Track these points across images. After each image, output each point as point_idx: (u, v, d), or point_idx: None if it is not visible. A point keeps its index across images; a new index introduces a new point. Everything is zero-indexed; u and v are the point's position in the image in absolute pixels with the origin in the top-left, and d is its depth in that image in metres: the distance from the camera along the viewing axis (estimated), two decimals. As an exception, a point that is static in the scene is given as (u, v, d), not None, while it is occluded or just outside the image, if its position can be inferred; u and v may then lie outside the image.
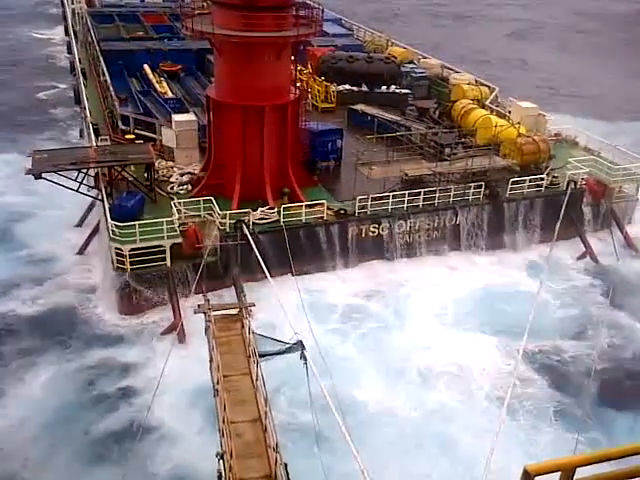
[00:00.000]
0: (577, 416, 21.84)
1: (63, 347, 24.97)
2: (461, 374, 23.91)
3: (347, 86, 41.83)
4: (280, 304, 20.32)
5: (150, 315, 26.14)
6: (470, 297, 27.56)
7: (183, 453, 20.30)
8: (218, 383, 16.89)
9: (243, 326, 20.49)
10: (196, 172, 30.70)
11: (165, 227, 25.14)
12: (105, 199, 27.03)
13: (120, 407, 22.24)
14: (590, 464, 4.62)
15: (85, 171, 27.24)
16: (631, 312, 28.04)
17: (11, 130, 44.83)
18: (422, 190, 29.02)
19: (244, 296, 26.28)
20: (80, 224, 32.29)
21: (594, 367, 23.21)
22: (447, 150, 31.85)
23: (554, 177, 32.21)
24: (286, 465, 13.41)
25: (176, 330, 24.33)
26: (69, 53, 57.87)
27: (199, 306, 21.52)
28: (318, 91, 40.83)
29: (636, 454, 4.67)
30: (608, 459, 4.69)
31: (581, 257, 32.19)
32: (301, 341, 17.97)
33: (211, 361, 18.51)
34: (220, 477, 13.98)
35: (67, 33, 61.50)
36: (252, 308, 21.75)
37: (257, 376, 17.06)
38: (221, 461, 14.22)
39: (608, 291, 28.71)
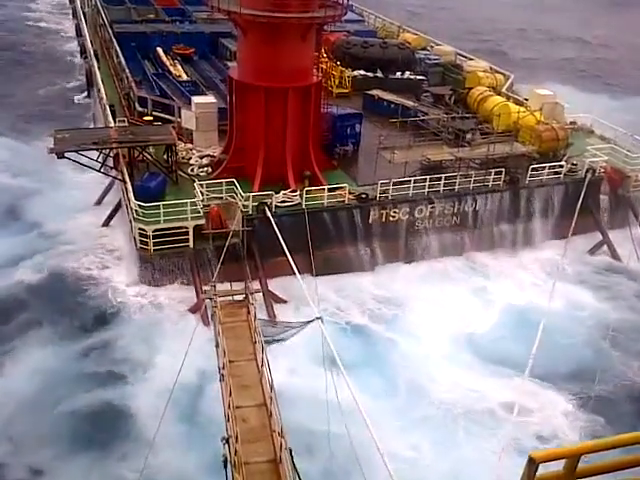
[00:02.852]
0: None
1: (81, 320, 24.96)
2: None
3: (362, 72, 41.63)
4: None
5: (172, 293, 26.08)
6: (496, 313, 26.81)
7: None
8: (224, 368, 16.91)
9: (249, 312, 20.58)
10: (215, 154, 30.59)
11: (189, 208, 25.10)
12: (127, 180, 26.91)
13: (138, 389, 21.83)
14: (594, 452, 4.63)
15: (107, 152, 27.14)
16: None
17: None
18: (443, 175, 28.98)
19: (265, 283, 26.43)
20: (99, 202, 32.53)
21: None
22: (468, 136, 31.79)
23: (573, 164, 32.21)
24: (291, 450, 13.37)
25: (200, 311, 24.29)
26: (78, 35, 57.30)
27: (205, 292, 21.57)
28: (333, 76, 40.63)
29: None
30: (612, 447, 4.67)
31: (598, 246, 32.32)
32: (321, 317, 18.17)
33: (217, 346, 18.55)
34: (225, 461, 14.00)
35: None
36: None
37: (262, 361, 17.14)
38: (226, 445, 14.24)
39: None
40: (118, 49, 40.85)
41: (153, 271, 25.68)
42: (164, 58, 41.38)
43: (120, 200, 30.18)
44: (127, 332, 24.27)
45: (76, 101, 48.85)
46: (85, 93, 48.77)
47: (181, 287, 26.08)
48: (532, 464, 4.54)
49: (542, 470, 4.69)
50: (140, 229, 24.88)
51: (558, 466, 4.76)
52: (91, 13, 54.48)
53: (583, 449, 4.62)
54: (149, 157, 28.29)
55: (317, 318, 18.40)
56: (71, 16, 66.52)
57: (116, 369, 22.63)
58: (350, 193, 28.17)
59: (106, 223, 30.53)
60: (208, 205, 26.07)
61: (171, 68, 39.77)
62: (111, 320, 24.89)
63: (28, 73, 54.23)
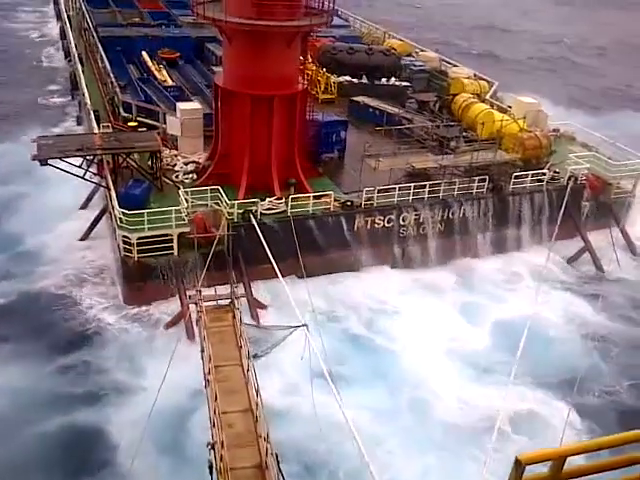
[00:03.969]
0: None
1: (58, 340, 24.24)
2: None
3: (347, 77, 41.79)
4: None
5: (157, 306, 25.91)
6: (489, 323, 26.75)
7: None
8: (209, 374, 16.91)
9: (234, 317, 20.54)
10: (200, 161, 30.53)
11: (173, 216, 25.02)
12: (111, 187, 26.77)
13: (120, 413, 20.90)
14: (580, 454, 4.71)
15: (91, 158, 27.00)
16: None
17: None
18: (428, 183, 29.16)
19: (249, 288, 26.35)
20: (85, 206, 32.13)
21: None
22: (452, 143, 32.02)
23: (555, 172, 32.56)
24: (277, 455, 13.41)
25: (185, 319, 24.23)
26: (63, 38, 56.90)
27: (190, 297, 21.48)
28: (319, 82, 40.75)
29: (625, 444, 4.75)
30: (598, 449, 4.75)
31: (580, 253, 32.71)
32: (306, 324, 18.15)
33: (202, 351, 18.50)
34: (211, 467, 14.02)
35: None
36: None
37: (248, 367, 17.13)
38: (212, 451, 14.26)
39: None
40: (103, 53, 40.63)
41: (138, 284, 25.45)
42: (149, 63, 41.19)
43: (102, 209, 29.81)
44: (110, 351, 23.73)
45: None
46: (69, 97, 48.49)
47: (167, 300, 25.87)
48: (519, 466, 4.58)
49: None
50: (124, 237, 24.76)
51: (545, 468, 4.80)
52: (76, 16, 54.07)
53: (569, 451, 4.66)
54: (134, 164, 28.18)
55: (302, 325, 18.44)
56: (55, 19, 65.88)
57: (98, 392, 21.86)
58: (335, 200, 28.26)
59: (85, 237, 29.82)
60: (193, 212, 26.04)
61: (156, 73, 39.60)
62: (92, 340, 24.28)
63: (7, 77, 53.80)
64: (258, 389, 15.32)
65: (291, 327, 19.21)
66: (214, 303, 20.90)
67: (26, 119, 43.18)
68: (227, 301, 21.28)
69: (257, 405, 15.32)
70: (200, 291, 21.22)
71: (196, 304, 20.69)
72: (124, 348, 23.83)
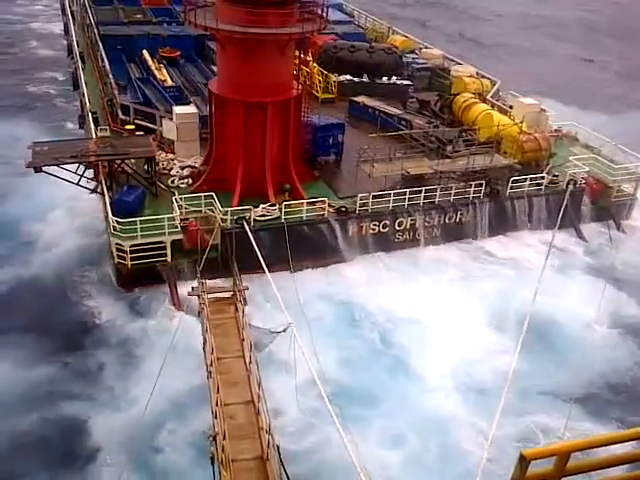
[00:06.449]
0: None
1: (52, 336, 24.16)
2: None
3: (348, 76, 41.51)
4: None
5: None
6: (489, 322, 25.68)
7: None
8: (211, 365, 17.13)
9: (237, 309, 20.66)
10: (197, 165, 30.56)
11: (166, 223, 25.10)
12: (105, 193, 26.89)
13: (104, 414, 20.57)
14: (585, 449, 4.74)
15: (85, 164, 27.08)
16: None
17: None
18: (424, 188, 28.99)
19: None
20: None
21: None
22: (449, 148, 31.76)
23: (554, 176, 32.24)
24: (278, 447, 13.51)
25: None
26: (66, 34, 56.87)
27: (193, 288, 21.57)
28: (319, 81, 40.51)
29: (629, 440, 4.78)
30: (602, 445, 4.79)
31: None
32: (292, 323, 18.22)
33: (204, 343, 18.69)
34: (212, 458, 14.18)
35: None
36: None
37: (250, 359, 17.24)
38: (214, 442, 14.44)
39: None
40: (103, 52, 40.61)
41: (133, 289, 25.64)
42: (150, 62, 41.12)
43: None
44: (105, 349, 23.66)
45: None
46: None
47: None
48: (523, 461, 4.61)
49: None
50: (117, 244, 24.92)
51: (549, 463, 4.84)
52: (80, 12, 54.00)
53: (573, 447, 4.71)
54: (129, 169, 28.25)
55: (289, 324, 18.51)
56: (60, 14, 65.78)
57: (87, 390, 21.73)
58: (330, 206, 28.19)
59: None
60: (186, 219, 26.14)
61: (156, 72, 39.52)
62: (90, 335, 24.21)
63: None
64: (260, 381, 15.43)
65: (278, 330, 19.26)
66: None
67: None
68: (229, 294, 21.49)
69: (259, 397, 15.46)
70: (203, 283, 21.39)
71: (199, 296, 20.90)
72: (119, 341, 23.63)
